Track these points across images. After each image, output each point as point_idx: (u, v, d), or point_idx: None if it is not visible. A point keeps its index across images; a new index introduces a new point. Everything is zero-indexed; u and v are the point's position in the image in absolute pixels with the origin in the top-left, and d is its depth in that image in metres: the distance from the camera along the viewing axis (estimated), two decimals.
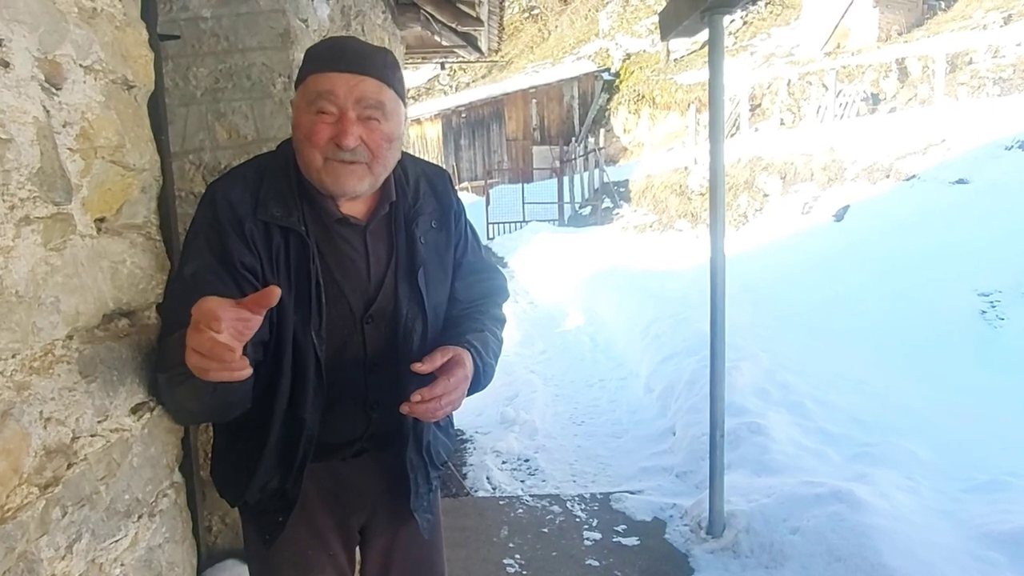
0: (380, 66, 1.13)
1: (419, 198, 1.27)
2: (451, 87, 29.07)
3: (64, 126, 0.98)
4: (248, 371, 0.88)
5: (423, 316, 1.22)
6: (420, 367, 1.10)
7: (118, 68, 1.12)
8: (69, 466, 0.97)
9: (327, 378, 1.15)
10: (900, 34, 14.26)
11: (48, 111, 0.95)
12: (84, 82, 1.03)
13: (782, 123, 13.72)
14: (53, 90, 0.96)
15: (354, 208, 1.19)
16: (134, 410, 1.12)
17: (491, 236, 15.00)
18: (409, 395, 1.17)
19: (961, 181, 6.80)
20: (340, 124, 1.09)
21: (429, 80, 29.39)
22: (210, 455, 1.28)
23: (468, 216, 1.38)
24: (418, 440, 1.26)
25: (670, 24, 2.94)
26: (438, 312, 1.27)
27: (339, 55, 1.12)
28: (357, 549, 1.35)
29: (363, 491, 1.29)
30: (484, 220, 15.21)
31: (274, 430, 1.15)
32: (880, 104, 12.44)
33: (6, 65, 0.87)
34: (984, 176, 6.64)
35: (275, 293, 0.87)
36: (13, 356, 0.87)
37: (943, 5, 15.07)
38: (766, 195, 10.06)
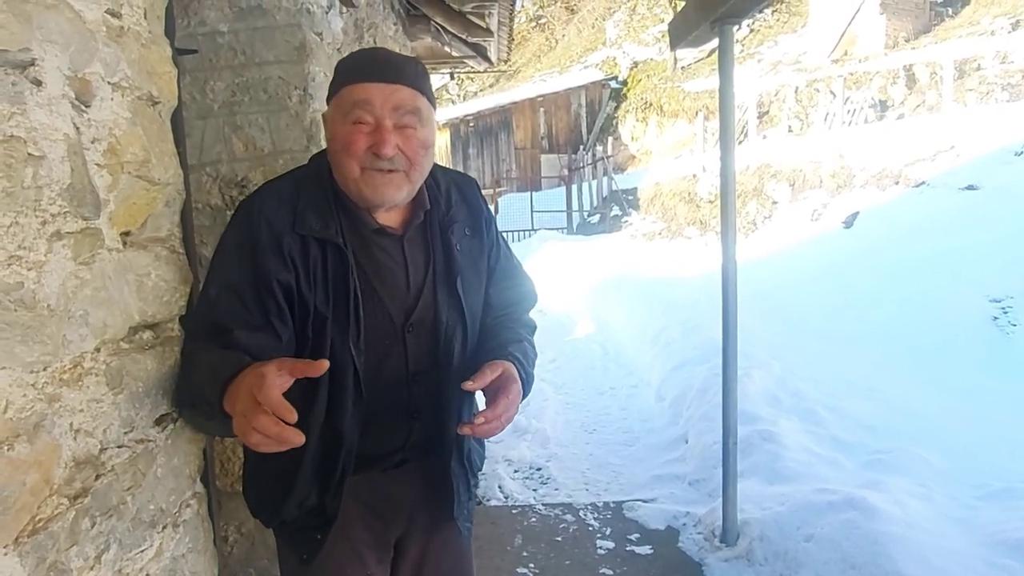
0: (413, 74, 1.15)
1: (452, 206, 1.28)
2: (459, 96, 29.23)
3: (93, 142, 1.00)
4: (295, 445, 0.91)
5: (463, 323, 1.23)
6: (471, 384, 1.10)
7: (144, 85, 1.14)
8: (97, 477, 0.98)
9: (367, 390, 1.15)
10: (907, 41, 14.25)
11: (78, 128, 0.97)
12: (112, 99, 1.05)
13: (790, 130, 13.72)
14: (83, 107, 0.98)
15: (390, 218, 1.20)
16: (158, 421, 1.14)
17: None
18: (451, 404, 1.21)
19: (971, 187, 6.78)
20: (378, 133, 1.10)
21: (437, 89, 29.54)
22: (226, 467, 1.29)
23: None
24: (460, 449, 1.26)
25: (679, 34, 2.96)
26: (475, 319, 1.28)
27: (372, 65, 1.14)
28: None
29: (402, 504, 1.28)
30: None
31: (311, 444, 1.12)
32: (888, 111, 12.41)
33: (38, 84, 0.89)
34: (994, 182, 6.62)
35: (322, 367, 0.93)
36: (44, 368, 0.88)
37: (950, 11, 15.04)
38: (775, 202, 10.05)
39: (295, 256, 1.12)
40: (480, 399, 1.21)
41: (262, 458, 1.19)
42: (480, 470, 1.40)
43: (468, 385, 1.10)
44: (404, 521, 1.29)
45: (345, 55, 1.23)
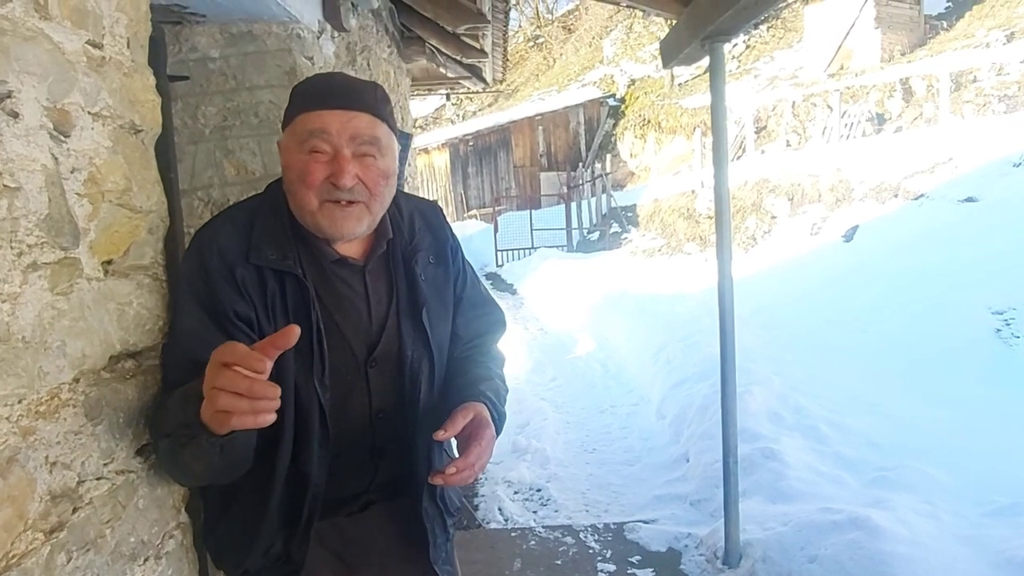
0: (372, 101, 1.10)
1: (415, 234, 1.23)
2: (458, 116, 29.41)
3: (72, 172, 1.00)
4: (273, 417, 0.84)
5: (429, 356, 1.18)
6: (442, 434, 1.05)
7: (126, 113, 1.14)
8: (74, 510, 0.96)
9: (331, 429, 1.10)
10: (903, 54, 14.33)
11: (56, 158, 0.96)
12: (92, 128, 1.05)
13: (788, 145, 13.76)
14: (61, 137, 0.97)
15: (350, 248, 1.16)
16: (140, 451, 1.12)
17: (500, 263, 15.06)
18: (419, 442, 1.16)
19: (970, 199, 6.78)
20: (336, 163, 1.05)
21: (436, 110, 29.75)
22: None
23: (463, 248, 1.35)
24: (432, 488, 1.19)
25: (671, 52, 2.97)
26: (442, 351, 1.23)
27: (329, 92, 1.09)
28: None
29: (370, 549, 1.21)
30: (492, 247, 15.29)
31: (276, 488, 1.08)
32: (885, 124, 12.45)
33: (15, 116, 0.89)
34: (993, 193, 6.62)
35: (294, 332, 0.84)
36: (19, 401, 0.87)
37: (945, 24, 15.14)
38: (774, 217, 10.05)
39: (250, 288, 1.07)
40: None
41: (224, 505, 1.15)
42: (459, 507, 1.34)
43: (439, 435, 1.05)
44: (375, 569, 1.22)
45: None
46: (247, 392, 0.81)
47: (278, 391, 0.83)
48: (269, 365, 0.84)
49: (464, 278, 1.31)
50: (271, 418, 0.84)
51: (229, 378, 0.82)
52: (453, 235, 1.32)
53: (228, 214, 1.17)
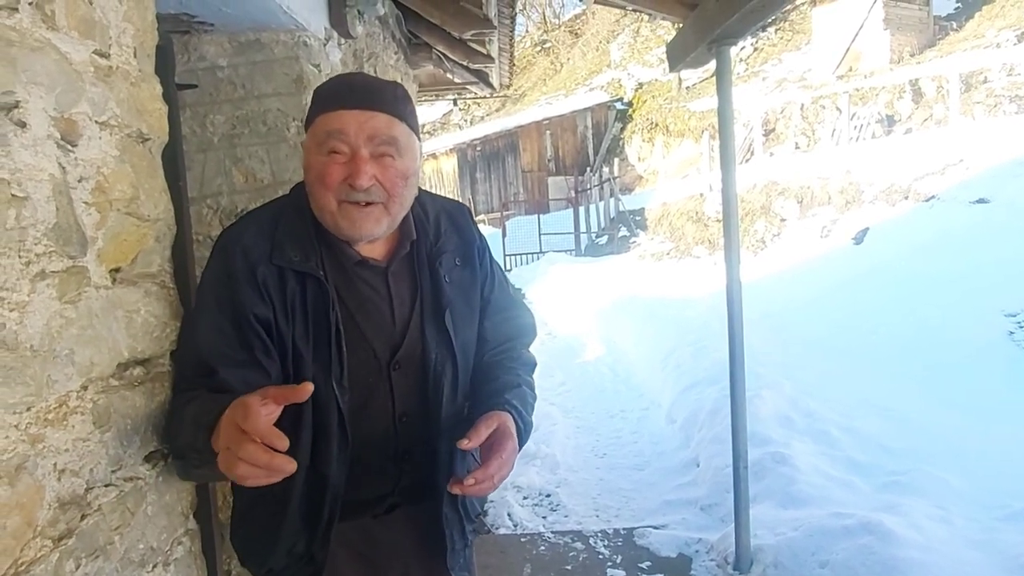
0: (391, 100, 1.10)
1: (440, 235, 1.22)
2: (466, 121, 29.47)
3: (80, 181, 1.01)
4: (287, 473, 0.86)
5: (452, 360, 1.17)
6: (466, 444, 1.04)
7: (133, 122, 1.15)
8: (83, 517, 0.97)
9: (352, 431, 1.10)
10: (912, 55, 14.24)
11: (64, 167, 0.97)
12: (100, 138, 1.06)
13: (797, 147, 13.69)
14: (69, 147, 0.98)
15: (373, 250, 1.16)
16: (148, 458, 1.13)
17: (508, 268, 15.08)
18: (442, 447, 1.16)
19: (981, 200, 6.72)
20: (352, 163, 1.05)
21: (444, 115, 29.85)
22: (229, 500, 1.24)
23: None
24: (453, 494, 1.18)
25: (678, 56, 2.97)
26: (467, 355, 1.22)
27: (347, 92, 1.09)
28: None
29: (396, 550, 1.21)
30: (501, 252, 15.31)
31: (296, 489, 1.09)
32: (895, 125, 12.37)
33: (23, 125, 0.89)
34: (1005, 195, 6.56)
35: (307, 390, 0.87)
36: (28, 409, 0.88)
37: (954, 25, 15.04)
38: (783, 220, 10.01)
39: (270, 288, 1.07)
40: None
41: (249, 505, 1.16)
42: (480, 513, 1.33)
43: (463, 444, 1.04)
44: (399, 569, 1.22)
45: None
46: (266, 466, 0.84)
47: (294, 465, 0.86)
48: (278, 411, 0.88)
49: (492, 280, 1.29)
50: (281, 477, 0.87)
51: (250, 453, 0.84)
52: (481, 236, 1.30)
53: (253, 215, 1.17)
